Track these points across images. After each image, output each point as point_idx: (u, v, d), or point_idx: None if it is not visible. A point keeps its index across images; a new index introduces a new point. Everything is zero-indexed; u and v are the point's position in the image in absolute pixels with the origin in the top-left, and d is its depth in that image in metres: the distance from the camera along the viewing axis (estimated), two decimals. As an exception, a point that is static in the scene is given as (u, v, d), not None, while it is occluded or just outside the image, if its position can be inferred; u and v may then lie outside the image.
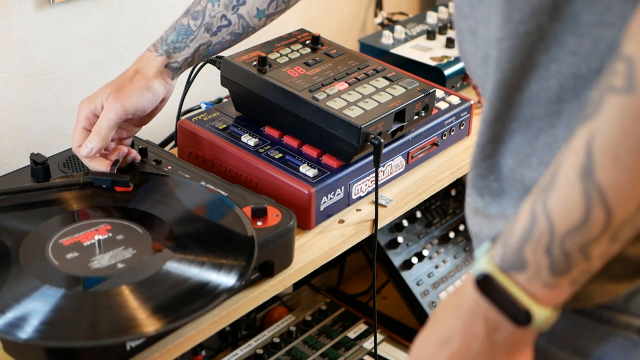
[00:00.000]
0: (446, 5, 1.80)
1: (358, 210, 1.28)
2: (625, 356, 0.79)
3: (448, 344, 0.78)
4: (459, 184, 1.83)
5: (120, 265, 1.02)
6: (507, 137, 0.79)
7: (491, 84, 0.79)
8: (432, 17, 1.76)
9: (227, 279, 1.01)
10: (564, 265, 0.70)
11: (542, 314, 0.73)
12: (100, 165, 1.17)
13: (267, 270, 1.12)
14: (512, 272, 0.73)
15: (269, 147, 1.28)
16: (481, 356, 0.77)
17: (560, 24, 0.72)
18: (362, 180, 1.28)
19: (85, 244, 1.05)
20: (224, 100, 1.48)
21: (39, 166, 1.18)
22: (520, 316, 0.73)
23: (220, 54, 1.37)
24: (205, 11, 1.22)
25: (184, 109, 1.47)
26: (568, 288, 0.72)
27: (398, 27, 1.70)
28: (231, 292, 1.00)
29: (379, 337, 1.69)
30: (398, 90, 1.31)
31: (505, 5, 0.74)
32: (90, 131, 1.17)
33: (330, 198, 1.23)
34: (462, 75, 1.60)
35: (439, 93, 1.45)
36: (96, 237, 1.05)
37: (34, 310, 0.94)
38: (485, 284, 0.74)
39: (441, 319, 0.80)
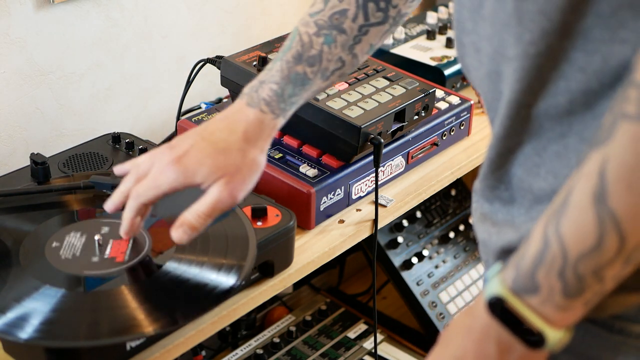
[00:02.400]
0: (446, 5, 1.80)
1: (358, 210, 1.28)
2: None
3: None
4: (459, 184, 1.83)
5: (120, 266, 1.02)
6: (517, 149, 0.79)
7: (501, 102, 0.79)
8: (432, 17, 1.76)
9: (227, 279, 1.01)
10: (577, 288, 0.70)
11: (555, 336, 0.72)
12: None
13: (267, 270, 1.12)
14: (525, 295, 0.73)
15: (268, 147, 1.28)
16: None
17: (570, 42, 0.71)
18: (362, 180, 1.27)
19: (85, 244, 1.05)
20: (224, 100, 1.48)
21: (39, 166, 1.18)
22: (533, 339, 0.73)
23: (220, 54, 1.37)
24: (322, 54, 1.01)
25: (184, 109, 1.47)
26: (581, 309, 0.72)
27: (398, 27, 1.70)
28: (231, 292, 1.00)
29: (379, 337, 1.69)
30: (398, 90, 1.31)
31: (517, 25, 0.74)
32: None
33: (330, 198, 1.23)
34: (462, 75, 1.60)
35: (439, 93, 1.45)
36: (96, 237, 1.05)
37: (34, 310, 0.94)
38: (498, 307, 0.74)
39: (453, 340, 0.80)
